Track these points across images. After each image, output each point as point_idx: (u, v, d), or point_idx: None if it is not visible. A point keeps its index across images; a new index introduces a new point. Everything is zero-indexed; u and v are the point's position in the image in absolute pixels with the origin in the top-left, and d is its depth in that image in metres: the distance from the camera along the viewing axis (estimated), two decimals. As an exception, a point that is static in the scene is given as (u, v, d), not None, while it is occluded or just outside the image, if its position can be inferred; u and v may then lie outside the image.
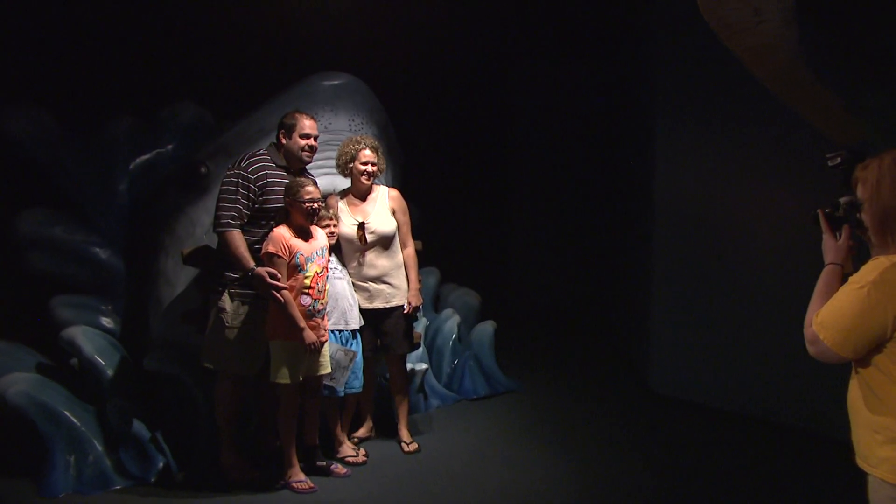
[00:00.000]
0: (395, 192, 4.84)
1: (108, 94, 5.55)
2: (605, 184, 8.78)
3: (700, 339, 5.86)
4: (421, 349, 5.72)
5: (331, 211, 4.59)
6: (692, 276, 5.91)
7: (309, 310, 4.13)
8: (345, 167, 4.67)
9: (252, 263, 4.09)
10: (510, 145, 9.53)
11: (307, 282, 4.12)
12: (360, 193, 4.72)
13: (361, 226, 4.61)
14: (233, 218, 4.15)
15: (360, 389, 4.77)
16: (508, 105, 9.43)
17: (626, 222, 7.66)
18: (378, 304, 4.72)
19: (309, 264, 4.13)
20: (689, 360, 5.94)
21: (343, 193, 4.77)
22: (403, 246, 4.82)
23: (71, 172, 5.24)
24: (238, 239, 4.14)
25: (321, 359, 4.28)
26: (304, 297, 4.12)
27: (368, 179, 4.65)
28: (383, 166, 4.74)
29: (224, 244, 4.16)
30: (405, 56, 7.41)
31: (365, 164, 4.61)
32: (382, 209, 4.72)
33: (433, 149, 8.04)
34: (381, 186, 4.83)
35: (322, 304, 4.22)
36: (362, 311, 4.70)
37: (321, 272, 4.21)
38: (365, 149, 4.60)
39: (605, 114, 8.73)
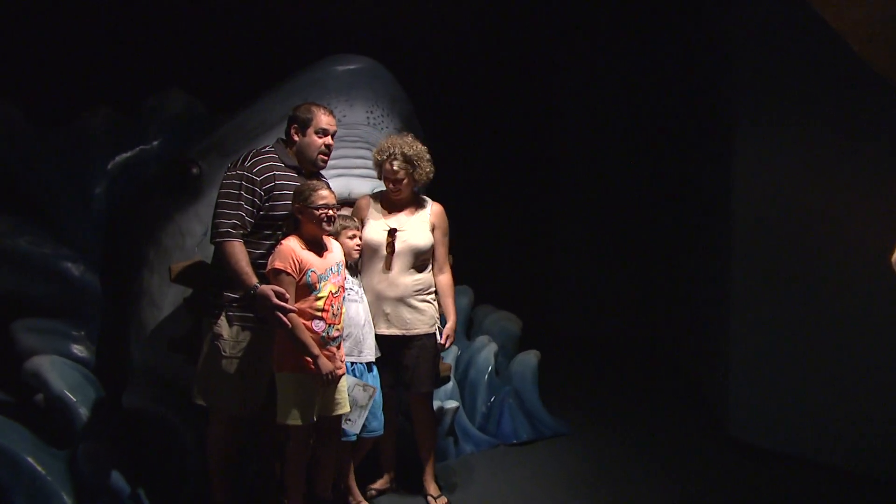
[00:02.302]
0: (438, 208, 4.85)
1: (81, 81, 5.57)
2: (669, 189, 8.74)
3: (790, 375, 5.76)
4: (451, 384, 5.68)
5: (355, 222, 4.52)
6: (780, 299, 5.83)
7: (322, 336, 4.06)
8: (378, 170, 4.70)
9: (255, 280, 4.02)
10: (555, 143, 9.53)
11: (320, 304, 4.05)
12: (396, 202, 4.73)
13: (393, 232, 4.57)
14: (234, 227, 4.09)
15: (382, 432, 4.71)
16: (554, 96, 9.41)
17: (698, 234, 7.63)
18: (395, 331, 4.67)
19: (322, 283, 4.06)
20: (777, 399, 5.84)
21: (378, 195, 4.78)
22: (440, 271, 4.81)
23: (38, 173, 5.28)
24: (239, 251, 4.07)
25: (337, 395, 4.22)
26: (317, 321, 4.05)
27: (398, 193, 4.66)
28: (421, 177, 4.69)
29: (222, 257, 4.09)
30: (432, 37, 7.39)
31: (390, 178, 4.62)
32: (421, 221, 4.73)
33: (466, 146, 8.02)
34: (427, 199, 4.85)
35: (338, 329, 4.17)
36: (378, 339, 4.62)
37: (337, 292, 4.15)
38: (393, 161, 4.58)
39: (670, 106, 8.68)
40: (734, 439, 6.03)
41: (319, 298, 4.04)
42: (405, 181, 4.63)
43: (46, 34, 5.51)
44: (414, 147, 4.66)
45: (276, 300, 3.92)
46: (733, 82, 6.15)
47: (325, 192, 4.07)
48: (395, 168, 4.58)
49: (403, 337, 4.67)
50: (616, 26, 8.95)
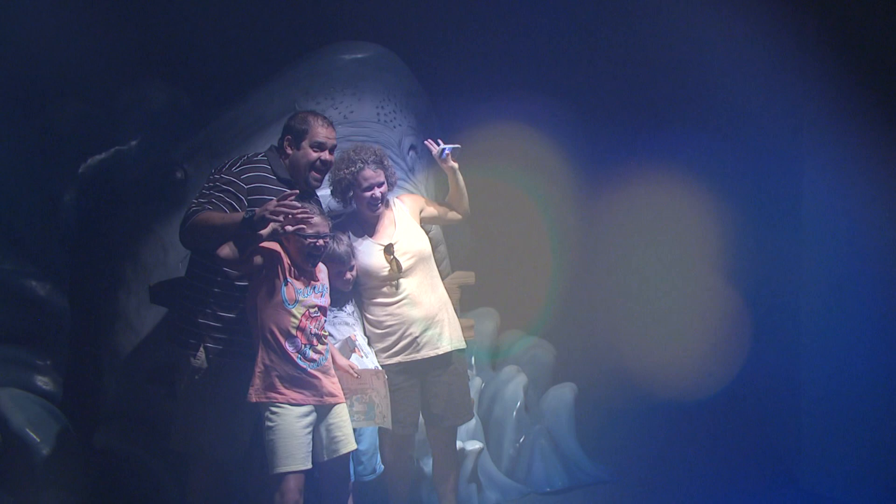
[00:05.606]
0: (406, 196, 4.85)
1: (47, 70, 5.54)
2: (727, 197, 8.62)
3: (870, 418, 5.71)
4: (474, 421, 5.66)
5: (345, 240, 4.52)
6: (859, 328, 5.79)
7: (297, 359, 4.02)
8: (343, 197, 4.62)
9: (242, 214, 3.91)
10: (598, 142, 9.43)
11: (294, 321, 4.03)
12: (371, 220, 4.67)
13: (390, 248, 4.52)
14: (207, 205, 4.03)
15: (373, 476, 4.64)
16: (599, 88, 9.34)
17: (760, 249, 7.55)
18: (426, 353, 4.65)
19: (300, 297, 4.06)
20: (858, 447, 5.78)
21: (349, 221, 4.72)
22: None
23: (-3, 178, 5.26)
24: (211, 213, 3.97)
25: (337, 432, 4.17)
26: (291, 340, 4.02)
27: (378, 209, 4.61)
28: (394, 177, 4.68)
29: (196, 233, 3.98)
30: (453, 21, 7.35)
31: (370, 188, 4.53)
32: (406, 222, 4.70)
33: (491, 148, 7.96)
34: (391, 199, 4.79)
35: (317, 352, 4.11)
36: (400, 367, 4.61)
37: (316, 314, 4.12)
38: (365, 167, 4.52)
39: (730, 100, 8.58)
40: (806, 491, 5.99)
41: (293, 315, 4.02)
42: (384, 187, 4.57)
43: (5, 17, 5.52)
44: (376, 148, 4.62)
45: (276, 204, 3.81)
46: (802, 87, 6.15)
47: (317, 220, 4.06)
48: (371, 172, 4.49)
49: (434, 358, 4.66)
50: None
